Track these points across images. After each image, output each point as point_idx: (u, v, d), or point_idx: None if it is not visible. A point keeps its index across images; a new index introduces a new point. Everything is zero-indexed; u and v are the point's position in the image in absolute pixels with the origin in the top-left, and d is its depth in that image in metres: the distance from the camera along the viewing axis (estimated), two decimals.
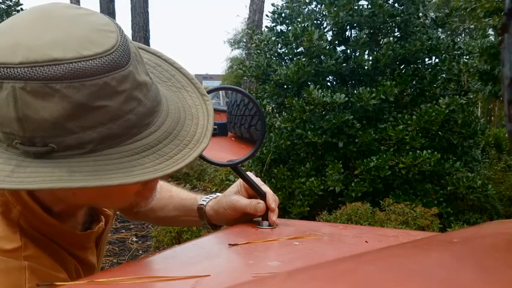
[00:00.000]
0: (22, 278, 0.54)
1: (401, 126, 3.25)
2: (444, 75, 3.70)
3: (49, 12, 0.51)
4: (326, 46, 3.50)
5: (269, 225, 0.80)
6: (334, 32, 3.79)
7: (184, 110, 0.61)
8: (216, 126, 0.78)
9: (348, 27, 3.79)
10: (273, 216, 0.81)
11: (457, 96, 3.40)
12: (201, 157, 0.76)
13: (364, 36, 3.47)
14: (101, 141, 0.51)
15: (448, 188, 3.23)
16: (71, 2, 11.49)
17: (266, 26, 4.09)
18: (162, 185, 1.03)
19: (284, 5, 4.01)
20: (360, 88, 3.30)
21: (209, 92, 0.79)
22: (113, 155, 0.52)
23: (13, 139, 0.50)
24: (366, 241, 0.70)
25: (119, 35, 0.52)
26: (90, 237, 0.70)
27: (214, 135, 0.77)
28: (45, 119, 0.48)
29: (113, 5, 11.75)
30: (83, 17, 0.52)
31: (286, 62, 3.87)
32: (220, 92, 0.81)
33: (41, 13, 0.51)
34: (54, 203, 0.62)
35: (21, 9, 4.45)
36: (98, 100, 0.49)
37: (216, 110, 0.77)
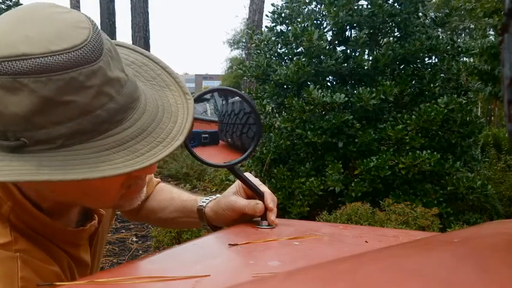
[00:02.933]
0: (14, 266, 0.55)
1: (400, 126, 3.25)
2: (443, 75, 3.70)
3: (30, 11, 0.53)
4: (326, 46, 3.50)
5: (268, 225, 0.80)
6: (334, 32, 3.79)
7: (163, 108, 0.61)
8: (207, 135, 0.78)
9: (348, 27, 3.79)
10: (272, 216, 0.81)
11: (456, 96, 3.41)
12: (197, 158, 0.76)
13: (364, 36, 3.47)
14: (71, 137, 0.51)
15: (448, 188, 3.24)
16: (71, 3, 11.49)
17: (266, 26, 4.09)
18: (163, 186, 1.03)
19: (284, 5, 4.01)
20: (360, 88, 3.30)
21: (204, 93, 0.78)
22: (83, 151, 0.52)
23: None
24: (366, 241, 0.70)
25: (91, 31, 0.53)
26: (81, 234, 0.70)
27: (205, 144, 0.77)
28: (16, 113, 0.49)
29: (113, 5, 11.75)
30: (59, 14, 0.53)
31: (286, 62, 3.87)
32: (215, 94, 0.81)
33: (23, 11, 0.53)
34: (40, 200, 0.63)
35: None
36: (65, 95, 0.49)
37: (206, 120, 0.78)
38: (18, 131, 0.50)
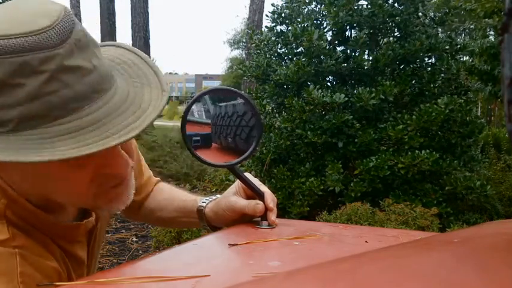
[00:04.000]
0: (13, 262, 0.55)
1: (400, 126, 3.25)
2: (443, 75, 3.70)
3: (9, 3, 0.54)
4: (326, 46, 3.50)
5: (268, 225, 0.80)
6: (334, 32, 3.79)
7: (133, 103, 0.59)
8: (198, 138, 0.78)
9: (348, 27, 3.79)
10: (272, 216, 0.81)
11: (456, 96, 3.41)
12: (198, 158, 0.76)
13: (364, 36, 3.47)
14: (21, 121, 0.52)
15: (446, 188, 3.24)
16: (71, 2, 11.49)
17: (266, 26, 4.09)
18: (162, 186, 1.03)
19: (284, 5, 4.01)
20: (360, 88, 3.30)
21: (204, 93, 0.78)
22: (33, 136, 0.52)
23: None
24: (366, 241, 0.70)
25: (59, 20, 0.53)
26: (77, 230, 0.70)
27: (197, 147, 0.77)
28: None
29: (113, 5, 11.75)
30: (35, 4, 0.54)
31: (286, 62, 3.87)
32: (215, 94, 0.81)
33: (5, 4, 0.55)
34: (25, 195, 0.63)
35: None
36: (16, 78, 0.50)
37: (199, 122, 0.77)
38: None
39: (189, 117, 0.75)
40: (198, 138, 0.78)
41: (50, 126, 0.52)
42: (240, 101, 0.79)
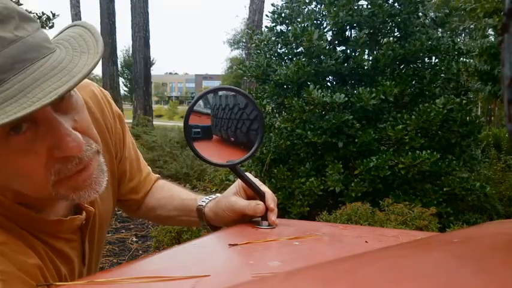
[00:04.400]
0: None
1: (400, 126, 3.25)
2: (443, 75, 3.70)
3: None
4: (326, 46, 3.50)
5: (269, 225, 0.80)
6: (334, 32, 3.79)
7: (62, 69, 0.56)
8: (199, 130, 0.77)
9: (348, 27, 3.79)
10: (272, 216, 0.81)
11: (454, 96, 3.41)
12: (200, 157, 0.76)
13: (364, 36, 3.47)
14: None
15: (444, 189, 3.24)
16: (71, 3, 11.49)
17: (266, 26, 4.09)
18: (163, 184, 1.03)
19: (284, 5, 4.01)
20: (360, 88, 3.30)
21: (208, 92, 0.78)
22: None
23: None
24: (366, 241, 0.70)
25: None
26: (59, 225, 0.69)
27: (197, 138, 0.76)
28: None
29: (113, 5, 11.75)
30: None
31: (286, 62, 3.87)
32: (217, 93, 0.81)
33: None
34: (8, 195, 0.63)
35: None
36: None
37: (200, 112, 0.77)
38: None
39: (191, 119, 0.75)
40: (199, 130, 0.77)
41: None
42: (242, 100, 0.79)
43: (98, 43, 0.61)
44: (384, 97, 3.26)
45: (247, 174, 0.83)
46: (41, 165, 0.58)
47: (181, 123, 0.79)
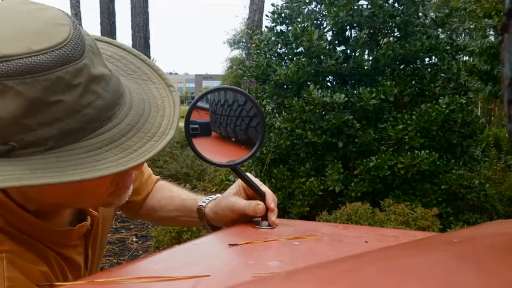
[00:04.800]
0: (0, 266, 0.54)
1: (400, 126, 3.25)
2: (443, 75, 3.70)
3: (5, 8, 0.51)
4: (326, 46, 3.50)
5: (269, 225, 0.80)
6: (334, 32, 3.79)
7: (149, 102, 0.60)
8: (197, 126, 0.77)
9: (348, 27, 3.79)
10: (273, 217, 0.81)
11: (457, 96, 3.41)
12: (201, 157, 0.76)
13: (364, 36, 3.47)
14: (61, 137, 0.50)
15: (442, 187, 3.24)
16: (71, 3, 11.48)
17: (266, 26, 4.09)
18: (163, 184, 1.03)
19: (284, 5, 4.01)
20: (360, 88, 3.30)
21: (208, 92, 0.78)
22: (75, 151, 0.51)
23: None
24: (366, 241, 0.70)
25: (72, 28, 0.51)
26: (69, 235, 0.69)
27: (196, 135, 0.76)
28: (2, 117, 0.47)
29: (113, 5, 11.75)
30: (35, 11, 0.51)
31: (286, 62, 3.87)
32: (219, 92, 0.81)
33: None
34: (27, 202, 0.62)
35: None
36: (52, 95, 0.48)
37: (199, 108, 0.77)
38: (5, 135, 0.48)
39: (192, 119, 0.74)
40: (197, 126, 0.77)
41: (89, 139, 0.52)
42: (243, 100, 0.79)
43: (157, 71, 0.64)
44: (384, 97, 3.26)
45: (248, 174, 0.83)
46: (110, 180, 0.61)
47: (181, 123, 0.79)
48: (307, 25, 3.58)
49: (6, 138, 0.49)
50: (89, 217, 0.74)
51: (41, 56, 0.47)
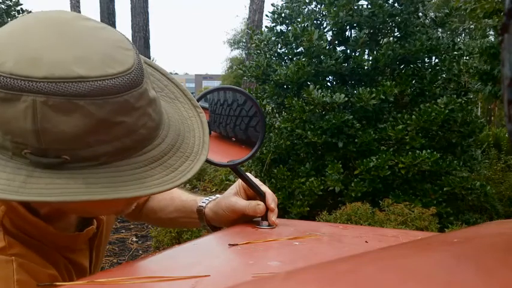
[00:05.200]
0: (10, 269, 0.55)
1: (401, 126, 3.25)
2: (444, 75, 3.70)
3: (62, 25, 0.51)
4: (326, 46, 3.50)
5: (269, 225, 0.80)
6: (334, 32, 3.79)
7: (182, 122, 0.62)
8: None
9: (348, 27, 3.79)
10: (273, 217, 0.81)
11: (455, 96, 3.41)
12: None
13: (364, 36, 3.47)
14: (114, 154, 0.52)
15: (444, 189, 3.24)
16: (71, 3, 11.48)
17: (266, 26, 4.09)
18: None
19: (284, 5, 4.01)
20: (360, 88, 3.30)
21: (209, 92, 0.78)
22: (123, 167, 0.53)
23: (23, 149, 0.49)
24: (366, 241, 0.70)
25: (134, 53, 0.54)
26: (77, 239, 0.69)
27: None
28: (65, 132, 0.48)
29: (113, 5, 11.75)
30: (97, 31, 0.52)
31: (286, 62, 3.87)
32: (219, 92, 0.81)
33: (53, 24, 0.50)
34: (41, 207, 0.62)
35: (21, 9, 4.43)
36: (117, 116, 0.50)
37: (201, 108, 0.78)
38: (62, 149, 0.49)
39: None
40: None
41: (136, 156, 0.54)
42: (243, 100, 0.79)
43: (184, 91, 0.66)
44: (384, 97, 3.26)
45: (248, 174, 0.83)
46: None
47: None
48: (307, 25, 3.58)
49: (62, 152, 0.50)
50: (94, 220, 0.74)
51: (114, 79, 0.49)
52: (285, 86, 3.79)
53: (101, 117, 0.49)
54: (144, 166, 0.54)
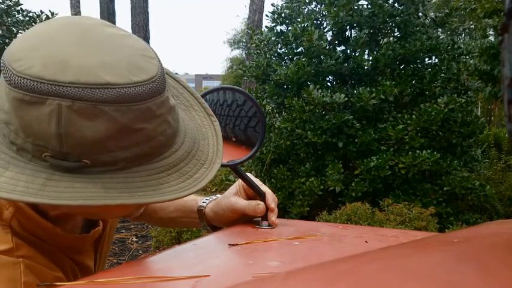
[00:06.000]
0: (17, 271, 0.55)
1: (401, 126, 3.25)
2: (443, 75, 3.70)
3: (87, 30, 0.51)
4: (326, 46, 3.50)
5: (269, 225, 0.80)
6: (334, 32, 3.79)
7: (197, 129, 0.63)
8: None
9: (348, 27, 3.79)
10: (273, 217, 0.81)
11: (455, 95, 3.41)
12: None
13: (364, 36, 3.47)
14: (132, 160, 0.53)
15: (445, 189, 3.24)
16: (71, 3, 11.48)
17: (266, 26, 4.09)
18: None
19: (284, 5, 4.01)
20: (360, 88, 3.30)
21: (209, 92, 0.79)
22: (141, 173, 0.54)
23: (43, 152, 0.50)
24: (366, 241, 0.70)
25: (158, 61, 0.54)
26: (84, 241, 0.70)
27: None
28: (87, 137, 0.49)
29: (113, 5, 11.75)
30: (122, 39, 0.53)
31: (286, 62, 3.87)
32: (219, 92, 0.81)
33: (79, 29, 0.51)
34: (51, 209, 0.62)
35: (21, 9, 4.42)
36: (139, 123, 0.51)
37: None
38: (83, 153, 0.50)
39: None
40: None
41: (153, 162, 0.55)
42: (243, 100, 0.79)
43: (198, 99, 0.67)
44: (384, 97, 3.26)
45: (248, 174, 0.83)
46: None
47: None
48: (307, 25, 3.58)
49: (82, 156, 0.50)
50: (100, 222, 0.74)
51: (139, 87, 0.50)
52: (285, 86, 3.79)
53: (123, 124, 0.49)
54: (160, 172, 0.54)
